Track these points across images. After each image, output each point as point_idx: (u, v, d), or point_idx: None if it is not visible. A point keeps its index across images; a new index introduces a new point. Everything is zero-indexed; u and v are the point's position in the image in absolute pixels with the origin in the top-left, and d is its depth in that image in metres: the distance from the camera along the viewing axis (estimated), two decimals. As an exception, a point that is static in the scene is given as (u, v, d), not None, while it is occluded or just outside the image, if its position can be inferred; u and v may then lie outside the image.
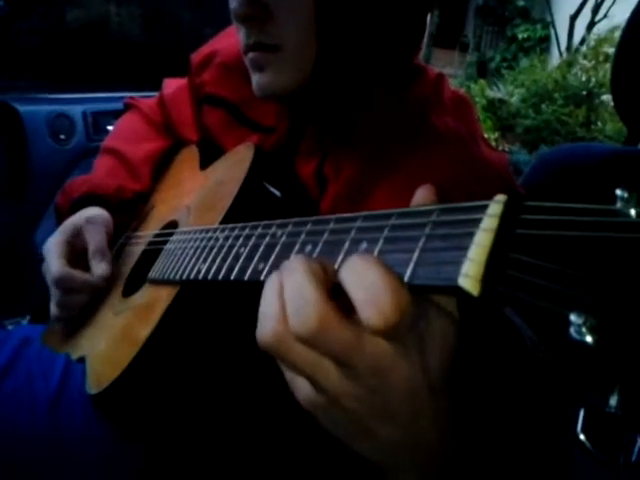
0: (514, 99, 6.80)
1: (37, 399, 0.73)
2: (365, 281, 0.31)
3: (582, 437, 0.24)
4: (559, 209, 0.26)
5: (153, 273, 0.69)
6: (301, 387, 0.36)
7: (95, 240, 0.78)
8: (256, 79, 0.65)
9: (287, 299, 0.34)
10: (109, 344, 0.70)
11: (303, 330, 0.32)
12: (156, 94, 1.02)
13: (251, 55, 0.63)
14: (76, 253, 0.79)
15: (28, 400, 0.73)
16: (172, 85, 0.99)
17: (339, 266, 0.36)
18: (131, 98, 1.07)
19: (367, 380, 0.33)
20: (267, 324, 0.34)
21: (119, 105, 1.69)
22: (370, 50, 0.63)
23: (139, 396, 0.63)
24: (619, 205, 0.24)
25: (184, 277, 0.59)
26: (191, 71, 0.91)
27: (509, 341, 0.35)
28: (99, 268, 0.76)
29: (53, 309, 0.79)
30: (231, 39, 0.82)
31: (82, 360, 0.73)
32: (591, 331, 0.23)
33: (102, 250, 0.78)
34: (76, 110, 1.70)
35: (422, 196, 0.37)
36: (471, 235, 0.29)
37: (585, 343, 0.23)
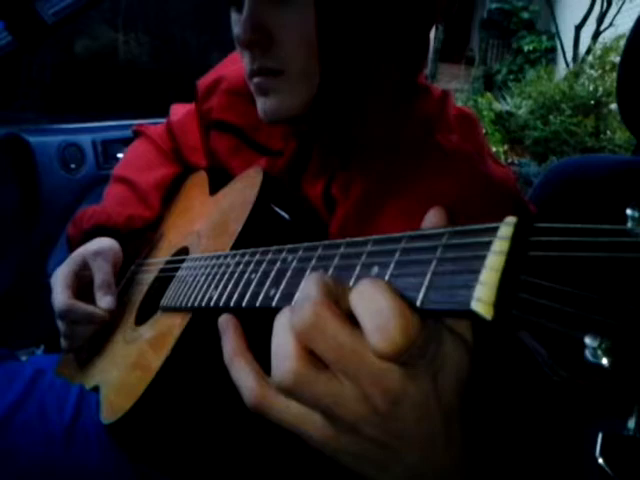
0: (522, 111, 6.81)
1: (52, 430, 0.73)
2: (374, 306, 0.31)
3: (601, 461, 0.24)
4: (570, 230, 0.25)
5: (165, 300, 0.69)
6: (316, 424, 0.36)
7: (101, 273, 0.78)
8: (261, 103, 0.65)
9: (304, 330, 0.33)
10: (122, 373, 0.70)
11: (330, 359, 0.33)
12: (163, 120, 1.04)
13: (256, 80, 0.64)
14: (83, 285, 0.79)
15: (43, 431, 0.73)
16: (179, 111, 1.00)
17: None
18: (139, 125, 1.08)
19: (381, 406, 0.33)
20: (285, 364, 0.34)
21: (128, 133, 1.71)
22: (373, 70, 0.63)
23: (154, 425, 0.63)
24: (630, 225, 0.24)
25: (196, 304, 0.59)
26: (198, 97, 0.92)
27: (524, 365, 0.35)
28: (104, 301, 0.76)
29: (61, 340, 0.79)
30: (236, 65, 0.83)
31: (96, 390, 0.73)
32: (607, 353, 0.23)
33: (107, 283, 0.78)
34: (86, 139, 1.72)
35: (433, 219, 0.37)
36: (482, 258, 0.28)
37: (601, 365, 0.23)
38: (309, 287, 0.34)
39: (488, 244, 0.29)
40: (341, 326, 0.32)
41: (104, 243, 0.82)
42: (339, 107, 0.65)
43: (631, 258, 0.23)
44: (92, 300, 0.78)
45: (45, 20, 0.92)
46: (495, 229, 0.29)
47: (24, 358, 0.91)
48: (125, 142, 1.71)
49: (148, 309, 0.75)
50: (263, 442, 0.65)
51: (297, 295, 0.36)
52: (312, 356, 0.34)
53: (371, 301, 0.31)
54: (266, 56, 0.62)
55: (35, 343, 1.44)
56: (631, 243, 0.23)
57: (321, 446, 0.36)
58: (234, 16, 0.65)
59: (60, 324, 0.77)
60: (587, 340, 0.23)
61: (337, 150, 0.68)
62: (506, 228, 0.28)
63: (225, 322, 0.43)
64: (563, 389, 0.24)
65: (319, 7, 0.57)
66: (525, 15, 10.90)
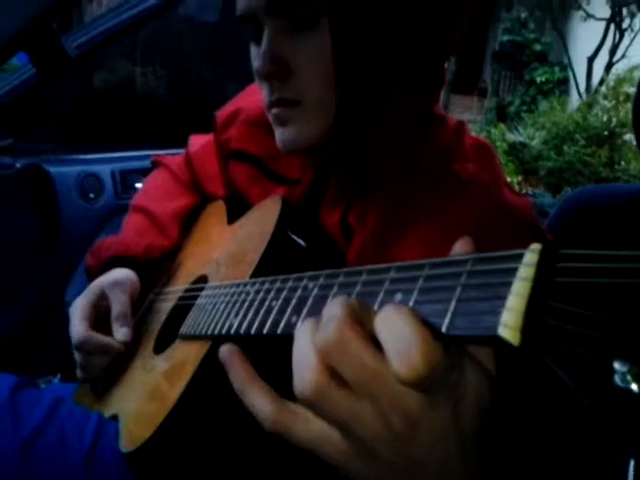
0: (535, 142, 6.81)
1: (72, 457, 0.73)
2: (397, 332, 0.32)
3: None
4: (594, 256, 0.26)
5: (184, 329, 0.69)
6: (335, 443, 0.36)
7: (119, 304, 0.79)
8: (279, 134, 0.66)
9: (327, 348, 0.34)
10: (141, 402, 0.70)
11: (351, 379, 0.33)
12: (181, 151, 1.05)
13: (274, 111, 0.65)
14: (101, 315, 0.80)
15: (63, 458, 0.73)
16: (198, 142, 1.01)
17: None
18: (158, 156, 1.10)
19: (399, 428, 0.34)
20: (306, 374, 0.35)
21: (146, 163, 1.74)
22: (388, 101, 0.64)
23: (173, 454, 0.63)
24: (657, 250, 0.24)
25: (216, 332, 0.59)
26: (216, 128, 0.93)
27: (552, 391, 0.35)
28: (120, 333, 0.77)
29: (77, 370, 0.80)
30: (254, 96, 0.85)
31: (115, 418, 0.73)
32: (636, 378, 0.23)
33: (124, 314, 0.78)
34: (104, 169, 1.75)
35: (460, 249, 0.37)
36: (508, 284, 0.29)
37: (631, 391, 0.23)
38: (335, 308, 0.35)
39: (514, 270, 0.29)
40: (364, 347, 0.33)
41: (122, 274, 0.83)
42: (355, 137, 0.66)
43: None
44: (109, 330, 0.78)
45: (69, 53, 0.95)
46: (520, 256, 0.29)
47: (42, 386, 0.91)
48: (143, 172, 1.73)
49: (167, 337, 0.75)
50: (282, 470, 0.64)
51: (323, 315, 0.36)
52: (333, 371, 0.34)
53: (395, 327, 0.32)
54: (284, 87, 0.63)
55: (52, 371, 1.44)
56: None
57: (339, 465, 0.37)
58: (253, 49, 0.67)
59: (77, 355, 0.78)
60: (616, 365, 0.23)
61: (354, 179, 0.68)
62: (531, 255, 0.29)
63: (228, 352, 0.44)
64: (592, 415, 0.24)
65: (336, 39, 0.58)
66: (537, 47, 11.00)
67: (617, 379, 0.23)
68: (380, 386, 0.33)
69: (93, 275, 0.87)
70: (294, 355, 0.36)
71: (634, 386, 0.23)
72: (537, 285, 0.27)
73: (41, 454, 0.73)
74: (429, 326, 0.32)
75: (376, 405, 0.34)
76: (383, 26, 0.59)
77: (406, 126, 0.68)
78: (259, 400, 0.39)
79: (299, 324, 0.44)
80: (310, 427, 0.37)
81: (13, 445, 0.72)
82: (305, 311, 0.45)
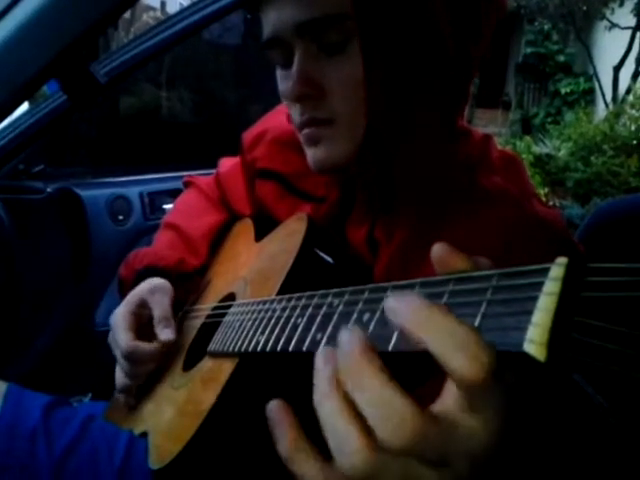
0: (562, 153, 6.74)
1: (103, 475, 0.74)
2: (454, 336, 0.30)
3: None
4: (622, 270, 0.25)
5: (213, 346, 0.70)
6: None
7: (160, 308, 0.81)
8: (311, 154, 0.67)
9: (369, 413, 0.32)
10: (171, 418, 0.71)
11: (400, 443, 0.30)
12: (207, 172, 1.07)
13: (306, 131, 0.66)
14: (142, 323, 0.82)
15: (95, 476, 0.74)
16: (227, 164, 1.04)
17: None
18: (190, 176, 1.12)
19: (460, 467, 0.32)
20: (354, 457, 0.32)
21: (173, 185, 1.78)
22: (416, 117, 0.65)
23: (202, 470, 0.63)
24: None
25: (243, 349, 0.60)
26: (243, 149, 0.95)
27: (579, 407, 0.34)
28: (164, 334, 0.78)
29: (121, 380, 0.81)
30: (280, 116, 0.86)
31: (145, 435, 0.73)
32: None
33: (167, 317, 0.80)
34: (133, 192, 1.79)
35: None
36: (534, 299, 0.28)
37: None
38: (400, 405, 0.31)
39: (540, 285, 0.29)
40: (441, 425, 0.31)
41: (159, 282, 0.85)
42: (384, 154, 0.67)
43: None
44: (150, 337, 0.80)
45: (98, 80, 0.97)
46: (546, 270, 0.29)
47: (75, 405, 0.93)
48: (171, 194, 1.77)
49: (196, 354, 0.76)
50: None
51: (376, 411, 0.32)
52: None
53: (442, 330, 0.30)
54: (316, 107, 0.64)
55: (82, 391, 1.46)
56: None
57: None
58: (280, 72, 0.68)
59: (124, 364, 0.80)
60: None
61: (381, 195, 0.69)
62: (557, 269, 0.28)
63: (277, 411, 0.39)
64: (621, 432, 0.24)
65: (367, 60, 0.59)
66: (561, 58, 10.92)
67: None
68: (435, 437, 0.31)
69: (126, 286, 0.89)
70: (330, 433, 0.33)
71: None
72: (563, 300, 0.27)
73: (73, 471, 0.73)
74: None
75: (436, 458, 0.31)
76: (413, 45, 0.60)
77: (432, 141, 0.68)
78: (307, 468, 0.36)
79: (324, 342, 0.44)
80: None
81: (46, 463, 0.73)
82: (330, 328, 0.45)
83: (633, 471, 0.35)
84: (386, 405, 0.31)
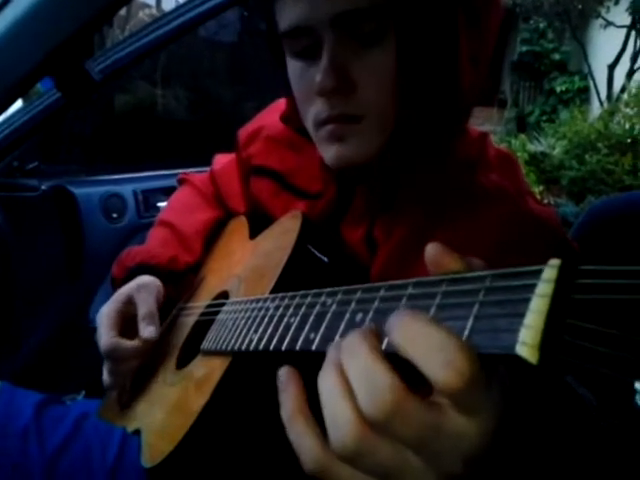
0: (557, 151, 6.74)
1: (96, 473, 0.74)
2: (430, 342, 0.30)
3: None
4: (615, 272, 0.25)
5: (206, 344, 0.70)
6: None
7: (145, 305, 0.80)
8: (333, 150, 0.65)
9: (356, 385, 0.33)
10: (163, 416, 0.70)
11: (379, 414, 0.31)
12: (202, 169, 1.07)
13: (331, 127, 0.64)
14: (128, 321, 0.81)
15: (87, 474, 0.74)
16: (222, 161, 1.03)
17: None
18: (184, 174, 1.12)
19: (453, 465, 0.32)
20: (344, 430, 0.33)
21: (167, 182, 1.77)
22: (439, 112, 0.64)
23: (195, 468, 0.63)
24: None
25: (236, 348, 0.59)
26: (239, 146, 0.95)
27: (571, 410, 0.34)
28: (146, 331, 0.78)
29: (105, 378, 0.81)
30: (276, 114, 0.85)
31: (138, 433, 0.73)
32: None
33: (151, 314, 0.79)
34: (127, 189, 1.78)
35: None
36: (527, 301, 0.28)
37: None
38: (382, 377, 0.32)
39: (532, 287, 0.29)
40: (425, 408, 0.31)
41: (147, 279, 0.85)
42: (405, 152, 0.66)
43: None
44: (136, 334, 0.79)
45: (93, 77, 0.97)
46: (539, 272, 0.29)
47: (68, 403, 0.93)
48: (165, 191, 1.76)
49: (189, 352, 0.76)
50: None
51: (362, 383, 0.33)
52: (375, 422, 0.32)
53: (423, 337, 0.31)
54: (346, 102, 0.62)
55: (76, 389, 1.46)
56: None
57: None
58: (300, 64, 0.65)
59: (106, 362, 0.79)
60: (638, 385, 0.23)
61: (382, 193, 0.68)
62: (550, 270, 0.28)
63: (287, 376, 0.40)
64: (612, 434, 0.24)
65: (401, 53, 0.58)
66: (556, 56, 10.92)
67: (638, 399, 0.23)
68: (421, 421, 0.31)
69: (118, 284, 0.88)
70: (327, 409, 0.34)
71: None
72: (556, 302, 0.27)
73: (66, 469, 0.73)
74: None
75: (420, 444, 0.32)
76: (442, 41, 0.59)
77: (434, 139, 0.68)
78: (305, 437, 0.36)
79: (317, 341, 0.44)
80: (353, 474, 0.34)
81: (38, 461, 0.73)
82: (323, 327, 0.45)
83: (625, 471, 0.35)
84: (370, 377, 0.32)
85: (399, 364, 0.32)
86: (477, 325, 0.31)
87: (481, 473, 0.33)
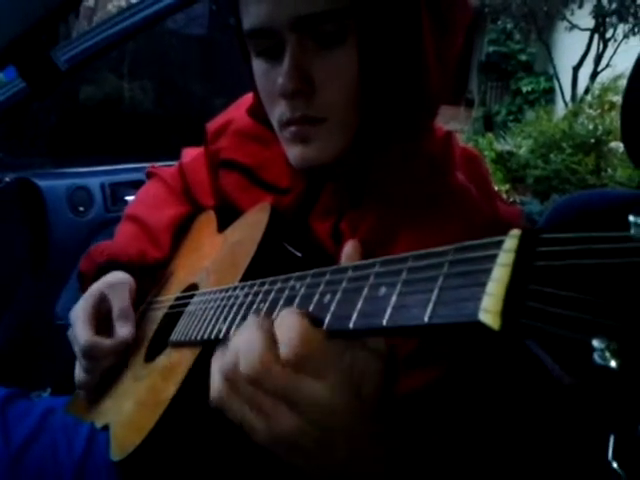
0: (522, 150, 6.86)
1: (62, 469, 0.73)
2: (285, 325, 0.42)
3: (615, 465, 0.24)
4: (575, 239, 0.26)
5: (175, 336, 0.69)
6: (259, 427, 0.44)
7: (119, 303, 0.79)
8: (297, 151, 0.65)
9: (255, 378, 0.42)
10: (132, 409, 0.70)
11: (250, 372, 0.42)
12: (170, 163, 1.05)
13: (294, 128, 0.64)
14: (101, 318, 0.80)
15: (53, 469, 0.73)
16: (190, 154, 1.02)
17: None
18: (153, 167, 1.10)
19: (309, 414, 0.41)
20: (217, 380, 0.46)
21: (135, 176, 1.75)
22: (403, 113, 0.65)
23: (164, 460, 0.63)
24: (633, 231, 0.25)
25: (205, 337, 0.59)
26: (207, 139, 0.94)
27: (533, 373, 0.35)
28: (123, 331, 0.77)
29: (80, 376, 0.79)
30: (244, 109, 0.85)
31: (106, 428, 0.72)
32: (614, 355, 0.23)
33: (126, 313, 0.79)
34: (94, 183, 1.74)
35: None
36: (488, 271, 0.29)
37: (610, 368, 0.23)
38: (252, 338, 0.43)
39: (494, 257, 0.29)
40: (286, 371, 0.41)
41: (119, 276, 0.84)
42: (370, 152, 0.66)
43: (636, 262, 0.23)
44: (111, 331, 0.79)
45: (59, 67, 0.95)
46: (500, 242, 0.30)
47: (33, 399, 0.91)
48: (133, 185, 1.73)
49: (158, 346, 0.75)
50: (273, 473, 0.64)
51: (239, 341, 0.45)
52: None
53: (284, 323, 0.42)
54: (308, 104, 0.62)
55: (42, 386, 1.43)
56: (635, 248, 0.24)
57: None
58: (263, 64, 0.65)
59: (82, 360, 0.78)
60: (595, 343, 0.23)
61: (350, 190, 0.69)
62: (511, 240, 0.29)
63: None
64: (573, 394, 0.25)
65: (362, 54, 0.58)
66: (523, 57, 11.13)
67: (596, 357, 0.23)
68: (278, 378, 0.41)
69: (87, 280, 0.87)
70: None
71: (613, 363, 0.23)
72: (517, 270, 0.28)
73: (31, 465, 0.72)
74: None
75: (283, 396, 0.42)
76: (406, 41, 0.60)
77: (401, 137, 0.69)
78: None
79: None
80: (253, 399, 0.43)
81: (2, 456, 0.71)
82: (293, 310, 0.45)
83: (584, 431, 0.36)
84: (251, 345, 0.43)
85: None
86: (441, 297, 0.31)
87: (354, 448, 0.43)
